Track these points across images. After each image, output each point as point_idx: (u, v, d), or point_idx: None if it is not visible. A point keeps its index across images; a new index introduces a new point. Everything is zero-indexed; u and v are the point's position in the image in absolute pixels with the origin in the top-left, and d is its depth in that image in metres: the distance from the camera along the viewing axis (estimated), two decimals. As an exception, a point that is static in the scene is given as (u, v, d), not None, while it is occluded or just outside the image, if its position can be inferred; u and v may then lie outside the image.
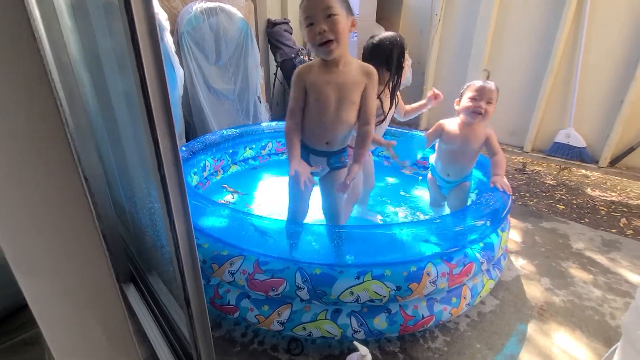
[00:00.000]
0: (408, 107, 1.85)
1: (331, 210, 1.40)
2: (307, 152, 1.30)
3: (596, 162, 2.65)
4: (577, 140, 2.70)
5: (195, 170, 2.16)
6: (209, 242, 1.29)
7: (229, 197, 2.22)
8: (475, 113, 1.57)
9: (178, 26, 2.61)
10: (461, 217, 1.31)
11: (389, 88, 1.57)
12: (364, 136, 1.23)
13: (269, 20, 3.55)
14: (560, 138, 2.78)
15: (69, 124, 1.22)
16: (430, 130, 1.78)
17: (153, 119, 0.53)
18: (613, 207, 2.49)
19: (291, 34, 3.59)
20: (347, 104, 1.18)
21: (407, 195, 2.27)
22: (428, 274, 1.17)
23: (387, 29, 3.58)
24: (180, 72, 2.25)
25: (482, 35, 2.97)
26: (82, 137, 1.20)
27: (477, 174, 1.88)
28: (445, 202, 1.94)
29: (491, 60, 3.03)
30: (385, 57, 1.51)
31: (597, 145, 2.64)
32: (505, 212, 1.42)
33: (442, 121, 1.77)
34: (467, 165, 1.71)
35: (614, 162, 2.58)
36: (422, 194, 2.24)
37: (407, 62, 1.57)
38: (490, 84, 1.57)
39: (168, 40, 2.05)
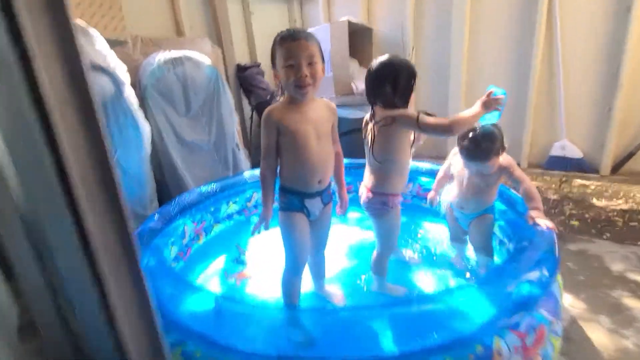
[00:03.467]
0: None
1: (325, 243, 1.46)
2: (301, 199, 1.27)
3: (597, 171, 2.57)
4: (573, 151, 2.63)
5: (173, 239, 1.81)
6: (201, 349, 0.96)
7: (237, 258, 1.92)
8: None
9: (140, 79, 2.37)
10: (511, 271, 1.07)
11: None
12: (338, 159, 1.40)
13: (238, 65, 3.41)
14: (556, 151, 2.70)
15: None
16: (439, 176, 1.62)
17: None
18: (627, 216, 2.36)
19: (263, 76, 3.45)
20: (326, 136, 1.27)
21: (422, 232, 2.04)
22: (499, 354, 0.89)
23: (360, 62, 3.53)
24: (146, 128, 1.98)
25: (458, 57, 2.96)
26: (5, 222, 0.87)
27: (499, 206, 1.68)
28: (467, 237, 1.72)
29: (470, 82, 2.99)
30: (392, 80, 1.29)
31: (594, 154, 2.58)
32: (557, 251, 1.20)
33: (452, 152, 1.60)
34: (484, 200, 1.51)
35: (615, 170, 2.50)
36: (439, 228, 2.01)
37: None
38: (480, 141, 1.35)
39: (129, 95, 1.79)
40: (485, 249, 1.59)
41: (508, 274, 1.07)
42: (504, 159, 1.44)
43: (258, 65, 3.49)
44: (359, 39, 3.41)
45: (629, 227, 2.22)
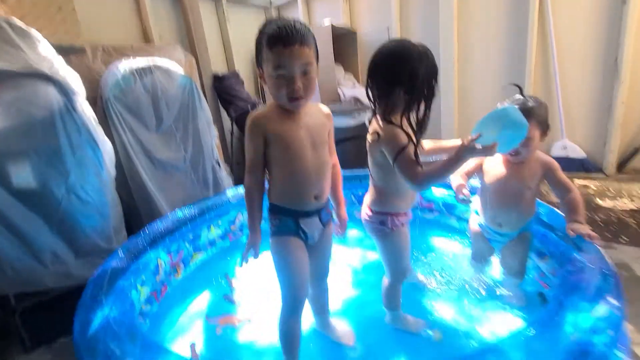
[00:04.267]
0: (431, 145, 1.27)
1: (327, 271, 1.27)
2: (295, 219, 1.09)
3: (601, 170, 2.45)
4: (575, 150, 2.51)
5: (144, 277, 1.51)
6: None
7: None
8: (511, 156, 1.25)
9: (102, 91, 2.07)
10: (572, 309, 0.86)
11: (407, 119, 1.05)
12: (335, 172, 1.21)
13: (215, 76, 3.15)
14: (557, 151, 2.58)
15: None
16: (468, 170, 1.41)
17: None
18: (638, 216, 2.24)
19: (243, 86, 3.21)
20: (322, 144, 1.09)
21: (435, 247, 1.83)
22: None
23: (345, 68, 3.35)
24: (107, 146, 1.68)
25: (449, 58, 2.82)
26: None
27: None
28: (493, 256, 1.51)
29: (462, 81, 2.85)
30: (409, 74, 0.99)
31: (597, 152, 2.47)
32: (615, 272, 1.00)
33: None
34: (526, 210, 1.29)
35: (620, 167, 2.39)
36: (451, 243, 1.80)
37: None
38: (526, 99, 1.23)
39: (83, 107, 1.49)
40: (520, 272, 1.38)
41: (562, 313, 0.84)
42: (547, 157, 1.27)
43: (237, 75, 3.25)
44: (342, 43, 3.24)
45: (643, 228, 2.09)
